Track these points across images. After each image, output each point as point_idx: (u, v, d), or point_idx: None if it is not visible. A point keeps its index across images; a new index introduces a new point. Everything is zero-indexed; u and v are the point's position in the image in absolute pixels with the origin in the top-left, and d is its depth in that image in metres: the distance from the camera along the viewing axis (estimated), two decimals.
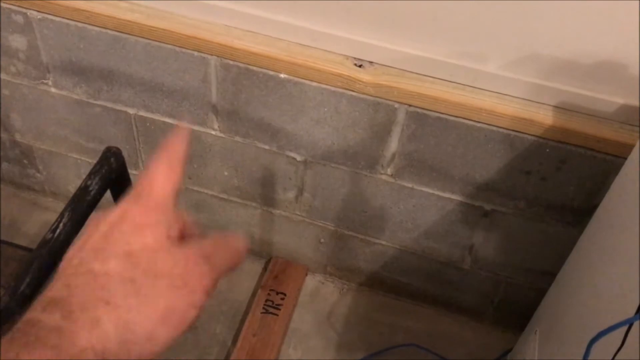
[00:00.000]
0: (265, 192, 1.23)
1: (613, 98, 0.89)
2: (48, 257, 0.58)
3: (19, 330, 0.29)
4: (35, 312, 0.30)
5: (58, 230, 0.59)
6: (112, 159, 0.68)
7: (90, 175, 0.66)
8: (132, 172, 1.31)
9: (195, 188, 1.29)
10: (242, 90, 1.05)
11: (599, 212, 0.83)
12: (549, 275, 1.02)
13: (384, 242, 1.23)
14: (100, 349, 0.29)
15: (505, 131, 0.94)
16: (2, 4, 1.08)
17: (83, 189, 0.64)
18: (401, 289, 1.33)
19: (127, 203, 0.35)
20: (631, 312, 0.62)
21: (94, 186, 0.64)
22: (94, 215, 0.37)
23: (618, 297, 0.69)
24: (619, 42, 0.82)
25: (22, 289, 0.54)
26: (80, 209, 0.62)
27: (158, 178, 0.36)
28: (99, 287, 0.30)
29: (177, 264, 0.32)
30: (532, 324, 1.03)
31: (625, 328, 0.59)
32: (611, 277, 0.73)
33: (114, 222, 0.33)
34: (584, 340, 0.68)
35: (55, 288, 0.31)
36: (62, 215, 0.61)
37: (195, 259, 0.33)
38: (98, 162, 0.67)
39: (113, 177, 0.69)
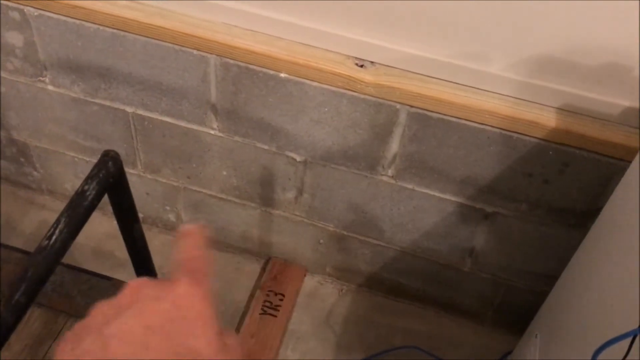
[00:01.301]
0: (264, 192, 1.22)
1: (617, 100, 0.88)
2: (44, 264, 0.56)
3: None
4: None
5: (54, 237, 0.58)
6: (110, 163, 0.67)
7: (88, 179, 0.64)
8: (130, 171, 1.30)
9: (194, 188, 1.28)
10: (242, 89, 1.04)
11: (603, 215, 0.82)
12: (550, 278, 1.01)
13: (383, 244, 1.22)
14: None
15: (507, 133, 0.93)
16: None
17: (80, 194, 0.63)
18: (401, 291, 1.32)
19: (187, 284, 0.34)
20: (635, 319, 0.61)
21: (91, 191, 0.63)
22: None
23: (622, 303, 0.68)
24: (623, 43, 0.81)
25: (17, 297, 0.52)
26: (77, 215, 0.61)
27: (203, 262, 0.36)
28: None
29: None
30: (533, 327, 1.02)
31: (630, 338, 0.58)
32: (615, 283, 0.72)
33: (178, 303, 0.33)
34: (587, 347, 0.67)
35: None
36: (58, 221, 0.60)
37: None
38: (95, 166, 0.66)
39: (111, 182, 0.67)
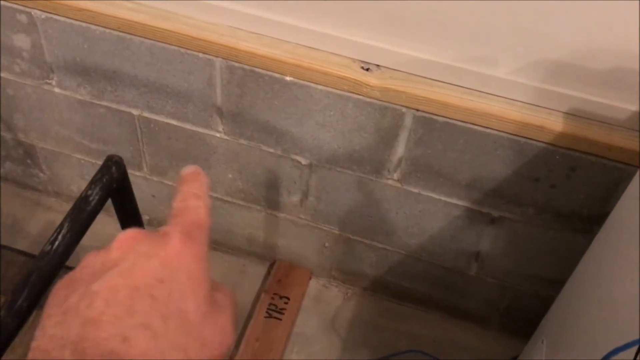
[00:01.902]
0: (269, 195, 1.22)
1: (625, 105, 0.87)
2: (47, 269, 0.56)
3: None
4: None
5: (57, 242, 0.58)
6: (114, 168, 0.67)
7: (91, 184, 0.64)
8: (135, 173, 1.30)
9: None
10: (247, 92, 1.03)
11: (610, 220, 0.81)
12: (557, 283, 1.00)
13: (389, 247, 1.22)
14: None
15: (514, 137, 0.93)
16: (7, 3, 1.06)
17: (83, 199, 0.63)
18: (406, 295, 1.32)
19: (179, 242, 0.32)
20: None
21: (94, 196, 0.63)
22: (140, 236, 0.33)
23: (630, 309, 0.67)
24: (631, 47, 0.81)
25: (19, 302, 0.52)
26: (81, 220, 0.61)
27: (200, 214, 0.34)
28: (157, 352, 0.29)
29: (218, 332, 0.32)
30: (539, 332, 1.01)
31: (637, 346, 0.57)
32: (623, 288, 0.71)
33: (169, 262, 0.31)
34: (594, 354, 0.66)
35: (111, 333, 0.29)
36: (61, 225, 0.60)
37: (230, 325, 0.32)
38: (99, 171, 0.66)
39: (114, 187, 0.67)
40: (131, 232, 0.33)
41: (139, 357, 0.28)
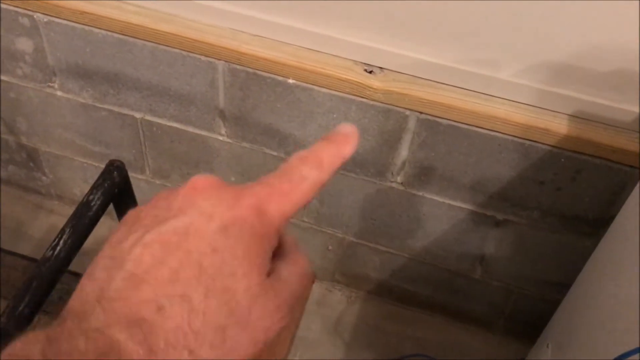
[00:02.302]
0: None
1: (630, 107, 0.86)
2: (48, 275, 0.56)
3: (96, 347, 0.25)
4: (119, 326, 0.26)
5: (59, 248, 0.58)
6: (115, 173, 0.66)
7: (93, 189, 0.64)
8: (138, 176, 1.30)
9: None
10: (250, 95, 1.03)
11: (615, 223, 0.81)
12: (563, 286, 0.99)
13: (393, 250, 1.21)
14: None
15: (519, 140, 0.92)
16: (9, 7, 1.06)
17: (85, 204, 0.63)
18: (410, 298, 1.31)
19: (249, 209, 0.28)
20: None
21: (96, 201, 0.63)
22: (198, 196, 0.29)
23: (637, 314, 0.67)
24: (635, 49, 0.80)
25: (21, 309, 0.52)
26: (82, 225, 0.61)
27: (299, 189, 0.29)
28: (191, 331, 0.26)
29: (266, 317, 0.28)
30: (544, 336, 1.01)
31: None
32: (629, 292, 0.71)
33: (228, 228, 0.28)
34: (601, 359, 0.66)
35: (148, 297, 0.26)
36: (62, 231, 0.60)
37: (285, 308, 0.29)
38: (100, 176, 0.65)
39: (116, 192, 0.67)
40: (205, 181, 0.30)
41: (171, 332, 0.26)
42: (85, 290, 0.28)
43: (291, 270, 0.30)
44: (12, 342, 0.25)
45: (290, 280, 0.30)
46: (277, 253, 0.31)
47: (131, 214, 0.31)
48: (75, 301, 0.28)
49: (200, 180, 0.30)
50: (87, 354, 0.24)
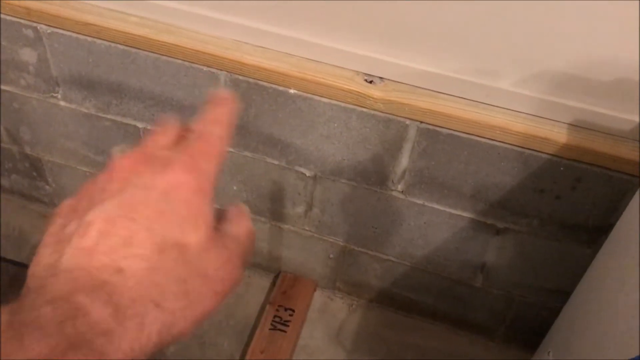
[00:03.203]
0: (274, 206, 1.22)
1: (629, 116, 0.87)
2: None
3: (63, 312, 0.25)
4: (82, 292, 0.26)
5: None
6: None
7: None
8: None
9: None
10: (252, 105, 1.04)
11: (615, 231, 0.81)
12: (563, 294, 1.00)
13: (394, 259, 1.22)
14: (138, 354, 0.27)
15: (518, 149, 0.93)
16: (13, 18, 1.08)
17: None
18: (411, 306, 1.31)
19: (182, 172, 0.31)
20: None
21: None
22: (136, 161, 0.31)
23: (637, 322, 0.67)
24: (635, 59, 0.81)
25: None
26: None
27: (213, 143, 0.32)
28: (153, 284, 0.28)
29: (221, 268, 0.30)
30: (545, 344, 1.01)
31: None
32: (628, 300, 0.71)
33: (168, 193, 0.30)
34: None
35: (104, 263, 0.27)
36: None
37: (237, 261, 0.31)
38: None
39: None
40: (130, 160, 0.32)
41: (134, 289, 0.27)
42: (37, 271, 0.29)
43: (236, 227, 0.33)
44: None
45: (237, 235, 0.33)
46: (222, 216, 0.34)
47: (63, 205, 0.32)
48: (29, 282, 0.28)
49: (125, 160, 0.32)
50: (53, 320, 0.25)
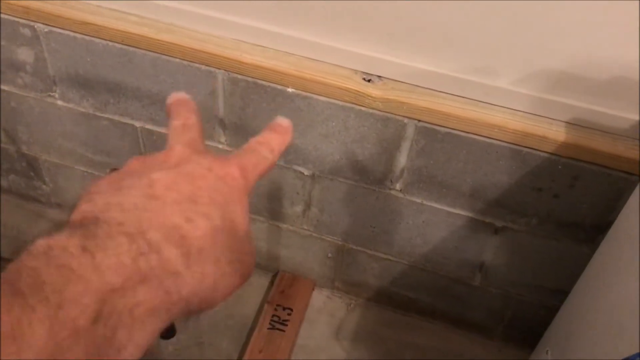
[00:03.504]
0: (272, 206, 1.22)
1: (627, 114, 0.87)
2: None
3: (138, 247, 0.26)
4: (156, 230, 0.27)
5: None
6: None
7: None
8: None
9: None
10: (250, 104, 1.04)
11: (613, 230, 0.81)
12: (562, 293, 1.00)
13: (392, 258, 1.22)
14: (191, 304, 0.28)
15: (516, 147, 0.93)
16: (10, 17, 1.07)
17: None
18: (410, 305, 1.31)
19: (236, 168, 0.33)
20: None
21: None
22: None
23: (634, 320, 0.67)
24: (632, 57, 0.81)
25: None
26: None
27: (264, 163, 0.36)
28: (214, 243, 0.29)
29: (249, 255, 0.32)
30: (544, 342, 1.01)
31: None
32: (626, 298, 0.71)
33: (224, 178, 0.32)
34: None
35: (174, 210, 0.28)
36: None
37: (254, 259, 0.33)
38: None
39: None
40: (190, 148, 0.34)
41: (201, 240, 0.28)
42: (97, 204, 0.28)
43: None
44: (36, 241, 0.25)
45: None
46: None
47: (103, 180, 0.32)
48: (87, 213, 0.28)
49: (184, 148, 0.34)
50: (129, 252, 0.26)
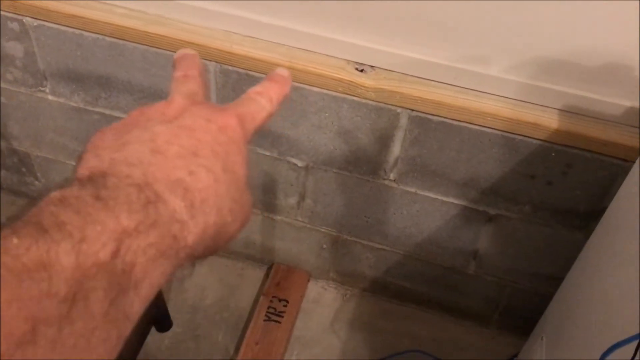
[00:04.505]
0: (266, 198, 1.22)
1: (619, 101, 0.87)
2: None
3: (146, 196, 0.27)
4: (162, 183, 0.29)
5: None
6: None
7: None
8: None
9: None
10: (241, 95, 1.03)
11: (607, 216, 0.82)
12: (556, 280, 1.00)
13: (387, 248, 1.22)
14: (197, 250, 0.30)
15: (509, 135, 0.93)
16: None
17: None
18: (405, 295, 1.32)
19: (235, 119, 0.34)
20: None
21: None
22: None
23: (628, 305, 0.68)
24: (624, 44, 0.81)
25: None
26: None
27: (262, 113, 0.36)
28: (216, 194, 0.30)
29: (248, 204, 0.34)
30: (538, 329, 1.01)
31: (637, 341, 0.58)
32: (620, 284, 0.72)
33: (225, 129, 0.33)
34: (594, 350, 0.66)
35: (176, 165, 0.30)
36: None
37: (252, 210, 0.34)
38: None
39: None
40: (188, 100, 0.34)
41: (203, 191, 0.30)
42: (104, 160, 0.30)
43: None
44: (51, 193, 0.26)
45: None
46: None
47: (108, 128, 0.33)
48: (94, 169, 0.29)
49: (183, 99, 0.35)
50: (139, 201, 0.27)
